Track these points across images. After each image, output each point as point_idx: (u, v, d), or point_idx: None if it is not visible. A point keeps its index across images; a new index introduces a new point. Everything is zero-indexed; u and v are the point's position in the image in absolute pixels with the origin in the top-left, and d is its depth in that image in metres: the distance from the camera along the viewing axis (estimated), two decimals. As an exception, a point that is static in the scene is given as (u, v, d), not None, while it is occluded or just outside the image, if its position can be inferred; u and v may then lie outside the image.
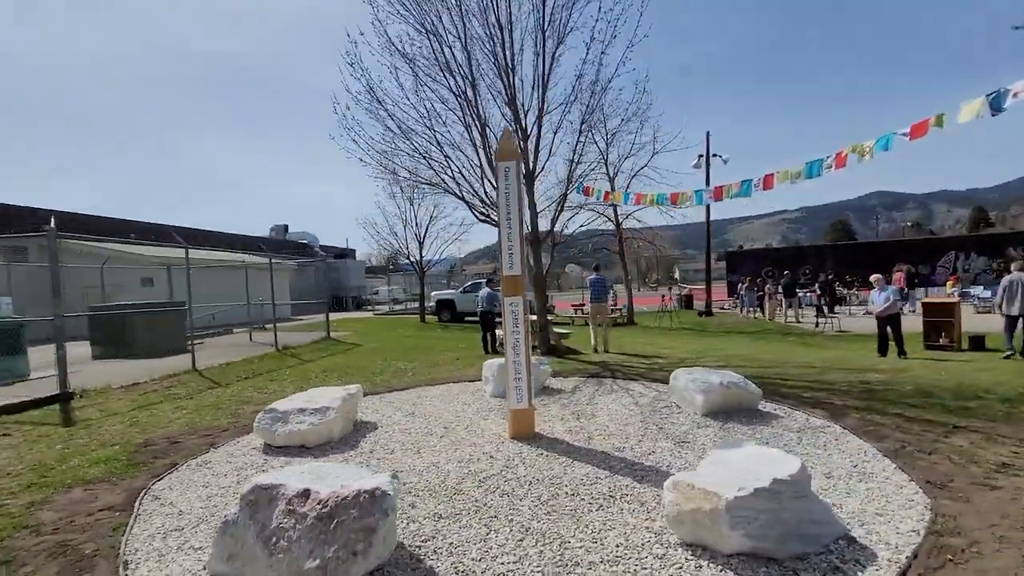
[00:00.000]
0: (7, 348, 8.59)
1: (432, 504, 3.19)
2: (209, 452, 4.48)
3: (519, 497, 3.25)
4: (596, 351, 9.73)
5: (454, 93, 8.70)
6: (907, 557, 2.41)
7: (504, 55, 8.51)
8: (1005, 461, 3.48)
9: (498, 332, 10.19)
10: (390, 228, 18.87)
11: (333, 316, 25.52)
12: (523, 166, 8.79)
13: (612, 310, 16.41)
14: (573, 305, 18.80)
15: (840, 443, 4.05)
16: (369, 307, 29.27)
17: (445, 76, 8.71)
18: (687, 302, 20.31)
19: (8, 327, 8.73)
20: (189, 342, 10.28)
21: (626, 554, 2.54)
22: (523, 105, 9.08)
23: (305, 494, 2.32)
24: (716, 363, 7.91)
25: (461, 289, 19.27)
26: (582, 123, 9.50)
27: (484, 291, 10.86)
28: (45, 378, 8.21)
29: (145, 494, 3.55)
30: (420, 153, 8.66)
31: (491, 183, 9.06)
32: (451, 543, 2.68)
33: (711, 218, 18.14)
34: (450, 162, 8.96)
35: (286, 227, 33.39)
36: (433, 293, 19.94)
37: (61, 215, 19.76)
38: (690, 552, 2.52)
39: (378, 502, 2.26)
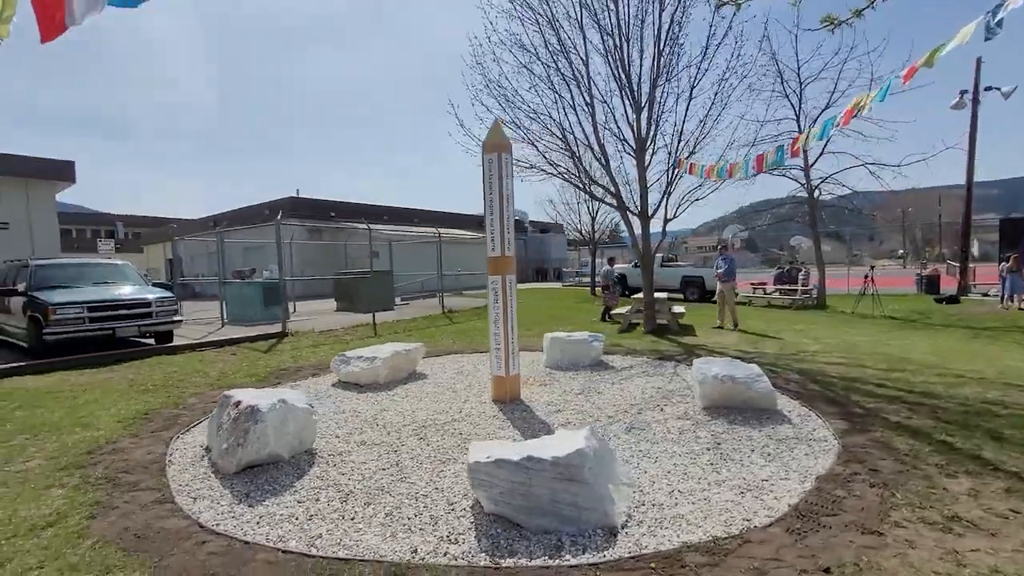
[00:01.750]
0: (271, 299, 12.82)
1: (375, 434, 4.18)
2: (310, 379, 6.37)
3: (427, 435, 3.97)
4: (723, 329, 9.51)
5: (562, 75, 8.98)
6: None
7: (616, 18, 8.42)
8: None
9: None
10: (565, 204, 19.81)
11: (524, 286, 28.03)
12: (635, 133, 8.65)
13: (801, 291, 14.14)
14: (752, 284, 16.66)
15: (806, 460, 3.45)
16: (573, 278, 31.02)
17: (557, 59, 9.04)
18: (928, 284, 15.62)
19: (272, 285, 13.00)
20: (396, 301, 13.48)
21: (435, 483, 3.09)
22: (637, 75, 8.81)
23: (236, 404, 3.60)
24: (843, 359, 6.62)
25: (633, 264, 19.03)
26: (721, 81, 8.67)
27: (606, 268, 11.96)
28: (293, 320, 12.07)
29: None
30: (524, 137, 9.24)
31: (599, 161, 9.13)
32: (353, 459, 3.65)
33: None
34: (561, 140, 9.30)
35: (502, 205, 37.56)
36: (605, 267, 20.15)
37: (321, 203, 26.77)
38: (469, 501, 2.94)
39: (254, 415, 3.38)
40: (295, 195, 26.13)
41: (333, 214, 25.37)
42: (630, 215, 9.26)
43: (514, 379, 5.13)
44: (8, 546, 2.51)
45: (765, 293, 15.50)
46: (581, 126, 9.01)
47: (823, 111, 12.98)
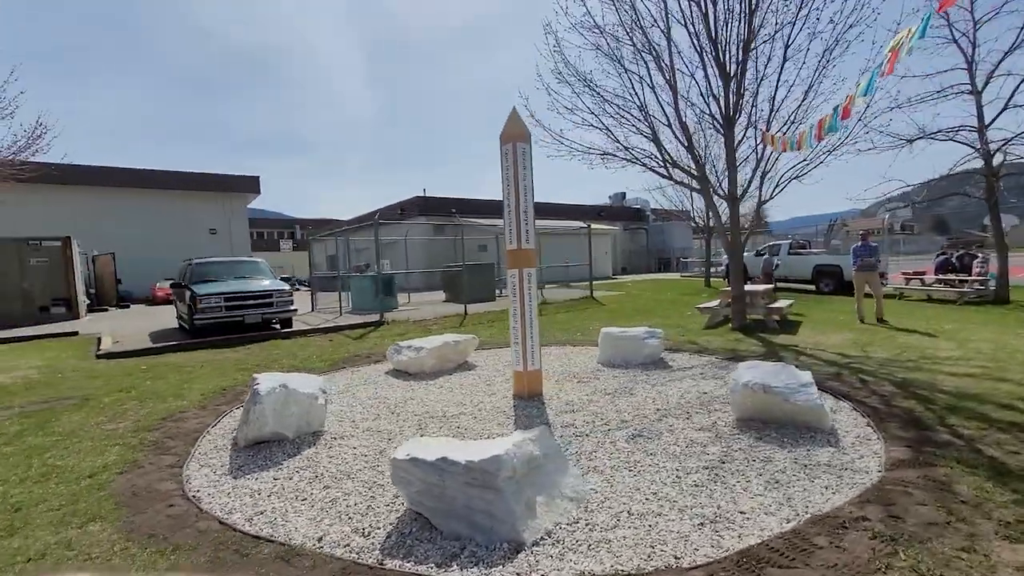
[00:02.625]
0: (386, 290, 14.09)
1: (385, 422, 4.42)
2: (372, 366, 6.90)
3: (426, 426, 4.07)
4: (863, 322, 8.44)
5: (638, 49, 8.32)
6: (527, 582, 2.15)
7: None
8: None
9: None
10: (676, 190, 18.38)
11: (640, 277, 26.71)
12: (721, 108, 7.74)
13: (971, 281, 11.38)
14: (904, 274, 13.69)
15: (817, 494, 2.81)
16: (698, 269, 28.86)
17: (632, 34, 8.42)
18: None
19: (387, 278, 14.28)
20: (497, 292, 13.94)
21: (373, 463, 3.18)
22: (724, 40, 7.82)
23: (252, 383, 4.07)
24: (979, 370, 5.22)
25: (755, 252, 16.97)
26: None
27: (766, 257, 11.95)
28: (401, 309, 13.19)
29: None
30: (597, 124, 8.72)
31: (681, 141, 8.30)
32: (350, 443, 3.92)
33: None
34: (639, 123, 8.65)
35: (623, 195, 36.12)
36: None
37: (446, 200, 28.27)
38: (394, 491, 2.98)
39: (255, 398, 3.78)
40: (422, 194, 28.23)
41: (454, 210, 26.91)
42: (717, 198, 8.29)
43: (533, 375, 4.98)
44: (52, 488, 3.20)
45: (923, 284, 12.70)
46: (661, 105, 8.29)
47: (1007, 54, 10.14)
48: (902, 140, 11.23)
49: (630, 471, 3.23)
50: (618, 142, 8.44)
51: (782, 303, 8.86)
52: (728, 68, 7.86)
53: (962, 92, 10.95)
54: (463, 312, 12.40)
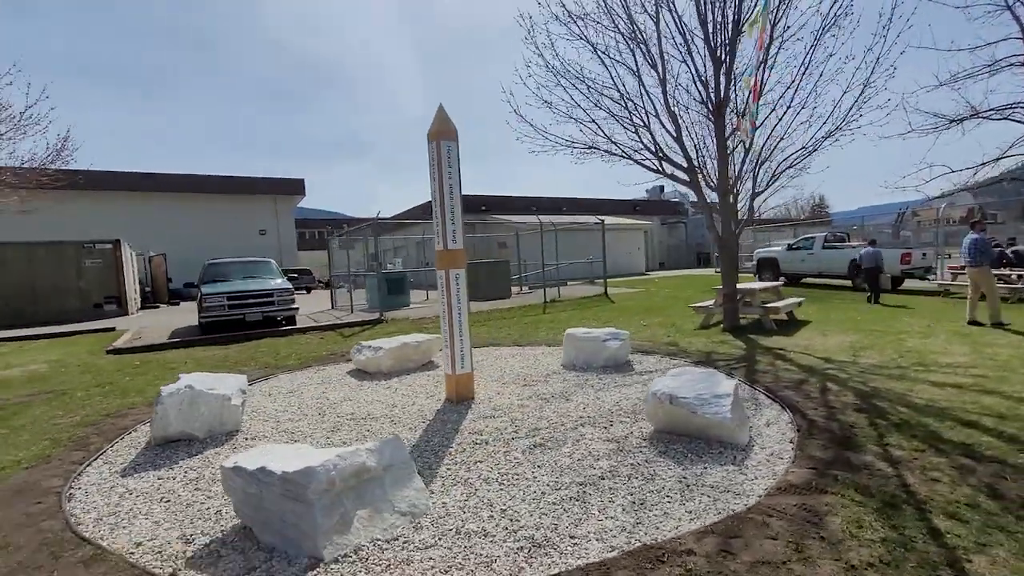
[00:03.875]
0: (396, 288, 14.30)
1: (305, 423, 4.44)
2: (339, 364, 6.97)
3: (341, 429, 4.04)
4: (975, 323, 7.61)
5: (623, 35, 7.90)
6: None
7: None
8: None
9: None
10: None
11: (672, 273, 25.66)
12: (708, 94, 7.23)
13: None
14: (952, 269, 12.29)
15: (680, 518, 2.52)
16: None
17: (616, 19, 8.02)
18: None
19: (398, 276, 14.48)
20: (517, 290, 13.81)
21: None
22: (714, 21, 7.31)
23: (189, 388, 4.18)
24: (975, 380, 4.60)
25: (788, 246, 15.84)
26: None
27: (867, 249, 11.22)
28: (414, 306, 13.35)
29: (268, 377, 6.31)
30: (586, 116, 8.34)
31: (669, 131, 7.82)
32: (255, 444, 3.96)
33: None
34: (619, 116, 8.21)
35: (662, 188, 34.83)
36: (758, 250, 17.19)
37: (476, 198, 28.26)
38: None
39: (159, 399, 3.89)
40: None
41: (484, 208, 26.95)
42: (708, 190, 7.76)
43: (462, 378, 4.84)
44: (-38, 480, 3.41)
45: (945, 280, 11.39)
46: (648, 94, 7.84)
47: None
48: (945, 120, 10.09)
49: (500, 484, 3.05)
50: (601, 135, 8.07)
51: (783, 302, 8.20)
52: (719, 52, 7.33)
53: (1015, 64, 9.70)
54: (477, 308, 12.38)
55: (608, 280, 16.78)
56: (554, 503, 2.77)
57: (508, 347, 7.63)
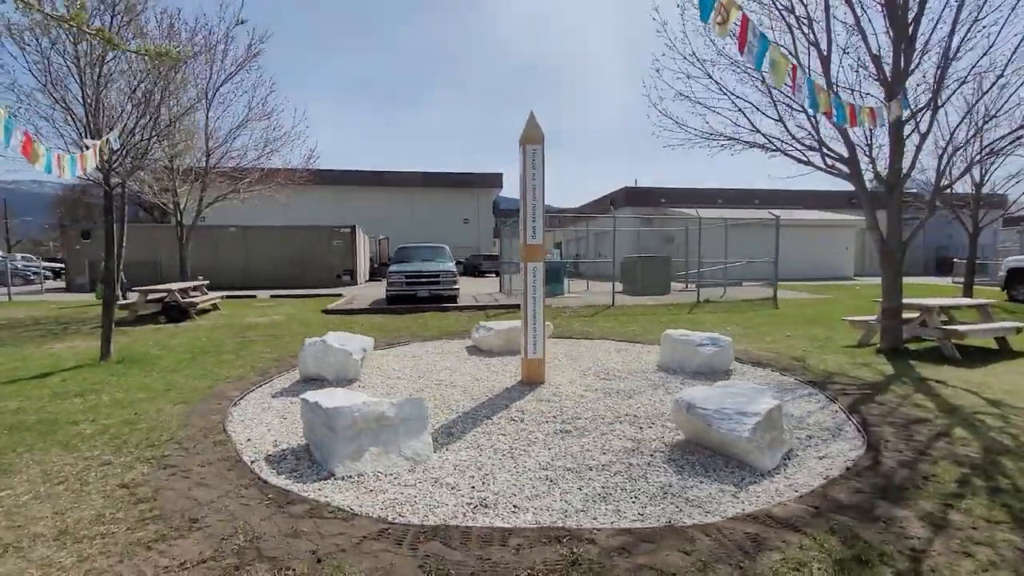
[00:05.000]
0: (553, 277, 15.07)
1: (405, 383, 5.46)
2: (459, 340, 7.97)
3: (425, 391, 4.92)
4: None
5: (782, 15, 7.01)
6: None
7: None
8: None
9: None
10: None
11: (905, 281, 20.64)
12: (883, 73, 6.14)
13: None
14: None
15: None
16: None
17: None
18: None
19: (555, 265, 15.24)
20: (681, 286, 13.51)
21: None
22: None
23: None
24: None
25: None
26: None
27: None
28: (569, 295, 14.06)
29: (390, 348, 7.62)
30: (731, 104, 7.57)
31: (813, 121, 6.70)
32: (389, 383, 5.12)
33: None
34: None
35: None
36: (1007, 259, 12.89)
37: (654, 191, 26.95)
38: None
39: (302, 348, 5.24)
40: (631, 185, 27.99)
41: (663, 200, 25.91)
42: (872, 185, 6.47)
43: (533, 363, 5.26)
44: (192, 383, 5.25)
45: None
46: (806, 76, 6.85)
47: None
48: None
49: (503, 455, 3.46)
50: (744, 125, 7.34)
51: (987, 325, 6.32)
52: (901, 14, 6.03)
53: None
54: (622, 301, 12.45)
55: (793, 284, 14.76)
56: (531, 479, 3.08)
57: (618, 341, 7.68)
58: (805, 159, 6.94)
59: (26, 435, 3.80)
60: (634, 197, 26.72)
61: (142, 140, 6.08)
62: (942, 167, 5.84)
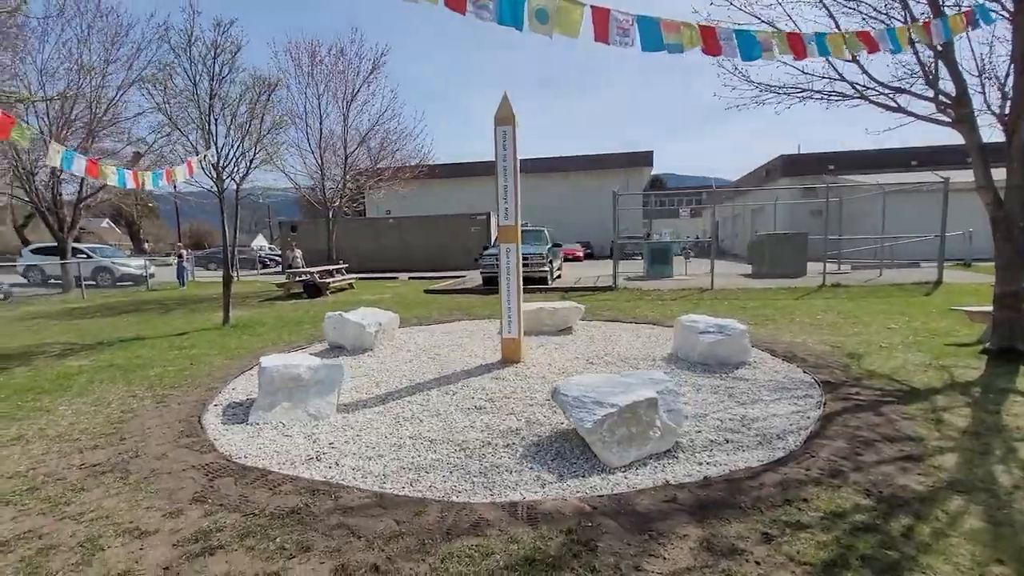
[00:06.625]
0: (661, 259, 14.11)
1: (414, 353, 6.01)
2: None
3: (432, 360, 5.42)
4: None
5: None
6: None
7: None
8: None
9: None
10: None
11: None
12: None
13: None
14: None
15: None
16: None
17: None
18: None
19: (663, 247, 14.22)
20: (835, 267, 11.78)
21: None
22: None
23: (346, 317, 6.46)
24: None
25: None
26: None
27: None
28: (677, 278, 13.19)
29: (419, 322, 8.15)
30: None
31: (930, 46, 5.11)
32: (371, 360, 5.82)
33: None
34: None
35: None
36: None
37: (821, 156, 22.45)
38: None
39: (323, 320, 6.10)
40: (791, 152, 24.05)
41: (832, 167, 21.73)
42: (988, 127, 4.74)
43: (508, 342, 5.29)
44: (242, 342, 6.54)
45: None
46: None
47: None
48: None
49: (405, 423, 3.69)
50: (823, 73, 5.99)
51: None
52: None
53: None
54: (710, 285, 11.24)
55: (972, 265, 11.37)
56: (389, 445, 3.29)
57: (655, 327, 7.09)
58: (894, 104, 5.45)
59: (115, 372, 5.33)
60: (794, 166, 22.92)
61: (241, 153, 7.67)
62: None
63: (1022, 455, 2.80)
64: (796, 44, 3.11)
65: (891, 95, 5.45)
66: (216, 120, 7.59)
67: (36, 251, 19.32)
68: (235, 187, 8.00)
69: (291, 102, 14.53)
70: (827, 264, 11.91)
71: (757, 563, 1.94)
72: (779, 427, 3.38)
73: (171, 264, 21.46)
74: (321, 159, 15.24)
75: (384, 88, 15.20)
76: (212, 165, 7.23)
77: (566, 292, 11.72)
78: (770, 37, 3.02)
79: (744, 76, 6.87)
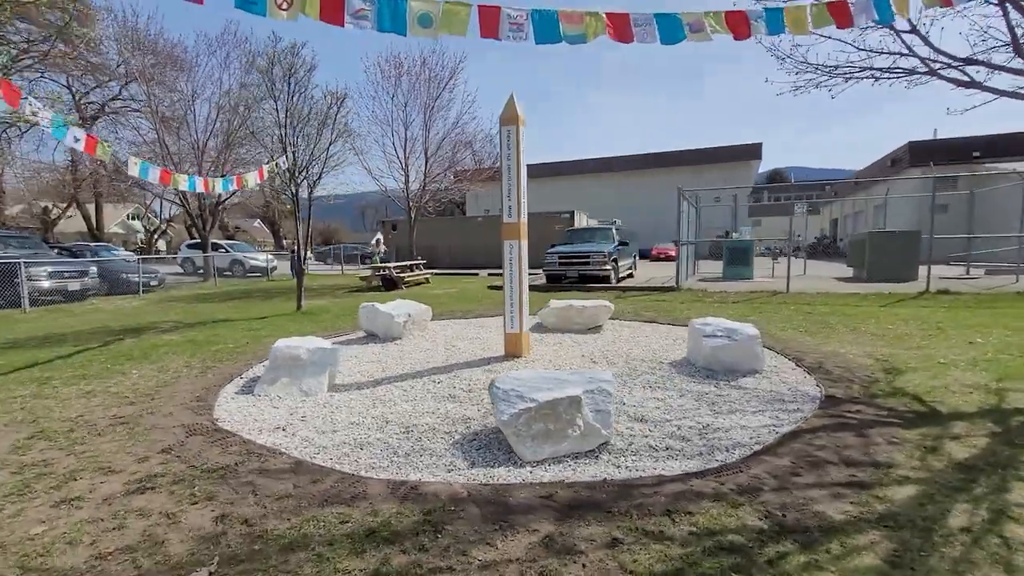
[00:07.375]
0: (740, 259, 13.07)
1: (439, 344, 6.37)
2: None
3: (455, 348, 5.77)
4: None
5: None
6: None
7: None
8: None
9: None
10: None
11: None
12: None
13: None
14: None
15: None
16: None
17: None
18: None
19: (742, 246, 13.13)
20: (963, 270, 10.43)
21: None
22: None
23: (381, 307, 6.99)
24: None
25: None
26: None
27: None
28: (758, 280, 12.26)
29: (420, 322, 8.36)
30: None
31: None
32: (396, 348, 6.28)
33: None
34: None
35: None
36: None
37: (962, 142, 18.82)
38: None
39: (358, 311, 6.66)
40: (924, 139, 20.63)
41: (977, 154, 18.31)
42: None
43: (511, 337, 5.38)
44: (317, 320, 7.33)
45: None
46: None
47: None
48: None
49: (372, 404, 4.04)
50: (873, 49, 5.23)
51: None
52: None
53: None
54: (785, 288, 10.20)
55: None
56: (364, 428, 3.53)
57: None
58: (967, 79, 4.64)
59: (189, 346, 6.32)
60: (923, 154, 19.60)
61: (310, 160, 8.61)
62: None
63: (1010, 496, 2.33)
64: (738, 24, 2.82)
65: (960, 66, 4.63)
66: (295, 130, 8.59)
67: (191, 246, 23.23)
68: (307, 192, 9.01)
69: (379, 109, 15.79)
70: (932, 268, 10.21)
71: (584, 566, 1.91)
72: (735, 439, 3.12)
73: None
74: (405, 163, 16.35)
75: (463, 94, 15.79)
76: (287, 171, 8.22)
77: (624, 292, 11.39)
78: (702, 18, 2.78)
79: (799, 59, 6.27)
